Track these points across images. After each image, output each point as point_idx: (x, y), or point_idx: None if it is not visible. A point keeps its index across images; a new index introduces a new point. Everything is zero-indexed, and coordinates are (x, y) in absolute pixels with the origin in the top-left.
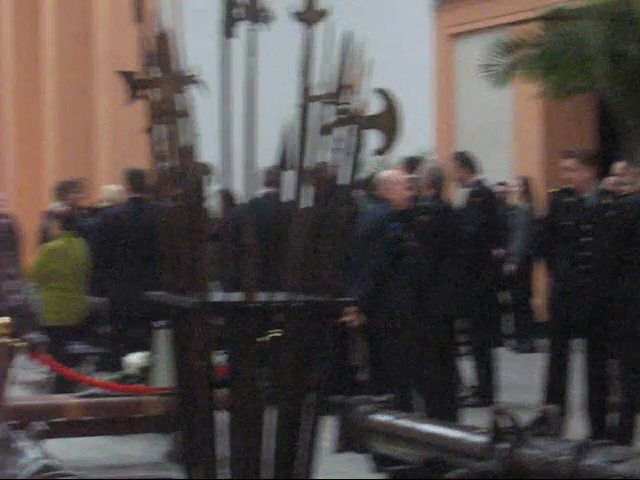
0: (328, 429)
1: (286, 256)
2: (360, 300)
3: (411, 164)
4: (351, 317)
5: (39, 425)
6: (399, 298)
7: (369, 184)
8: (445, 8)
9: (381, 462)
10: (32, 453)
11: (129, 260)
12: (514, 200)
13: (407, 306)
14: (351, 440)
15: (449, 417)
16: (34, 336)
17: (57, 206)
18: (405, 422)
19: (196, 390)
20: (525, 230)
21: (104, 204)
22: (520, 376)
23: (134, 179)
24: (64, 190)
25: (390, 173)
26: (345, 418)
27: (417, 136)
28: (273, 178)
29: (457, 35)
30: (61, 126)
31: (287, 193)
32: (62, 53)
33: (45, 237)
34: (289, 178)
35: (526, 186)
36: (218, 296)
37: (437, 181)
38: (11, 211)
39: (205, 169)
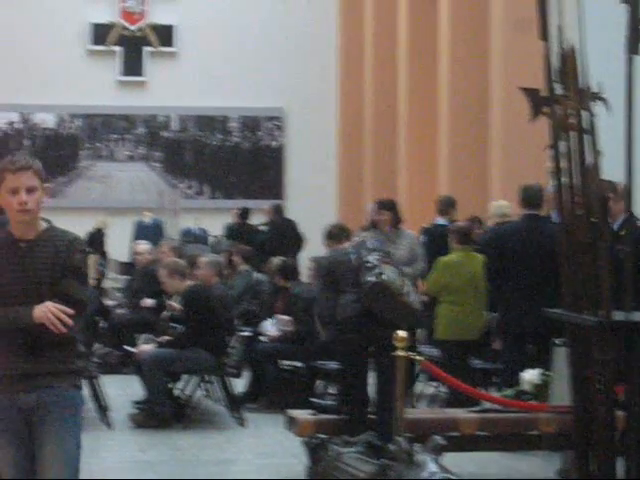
0: None
1: None
2: None
3: None
4: None
5: (438, 439)
6: None
7: None
8: None
9: None
10: (432, 466)
11: (522, 276)
12: None
13: None
14: None
15: None
16: (430, 350)
17: (439, 221)
18: None
19: (595, 410)
20: None
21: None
22: None
23: (530, 195)
24: (447, 205)
25: None
26: None
27: None
28: None
29: None
30: (454, 140)
31: None
32: (457, 67)
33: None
34: None
35: None
36: (620, 315)
37: None
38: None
39: (609, 187)
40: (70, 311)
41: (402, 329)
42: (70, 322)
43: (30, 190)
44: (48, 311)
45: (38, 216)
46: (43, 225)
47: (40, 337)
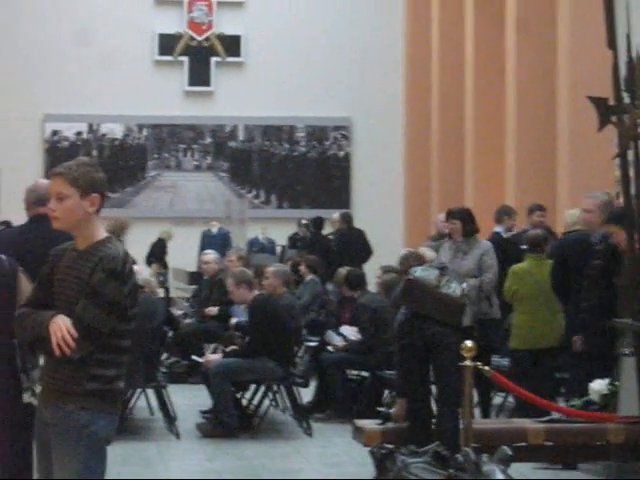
0: None
1: None
2: None
3: None
4: None
5: (506, 449)
6: None
7: None
8: None
9: None
10: (500, 477)
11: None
12: None
13: None
14: None
15: None
16: (499, 360)
17: (495, 229)
18: None
19: None
20: None
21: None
22: None
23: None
24: (503, 213)
25: None
26: None
27: None
28: None
29: None
30: (521, 149)
31: None
32: (524, 76)
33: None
34: None
35: None
36: None
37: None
38: None
39: None
40: (74, 334)
41: (450, 323)
42: (72, 345)
43: (59, 197)
44: (58, 329)
45: (89, 225)
46: (99, 237)
47: (52, 352)
